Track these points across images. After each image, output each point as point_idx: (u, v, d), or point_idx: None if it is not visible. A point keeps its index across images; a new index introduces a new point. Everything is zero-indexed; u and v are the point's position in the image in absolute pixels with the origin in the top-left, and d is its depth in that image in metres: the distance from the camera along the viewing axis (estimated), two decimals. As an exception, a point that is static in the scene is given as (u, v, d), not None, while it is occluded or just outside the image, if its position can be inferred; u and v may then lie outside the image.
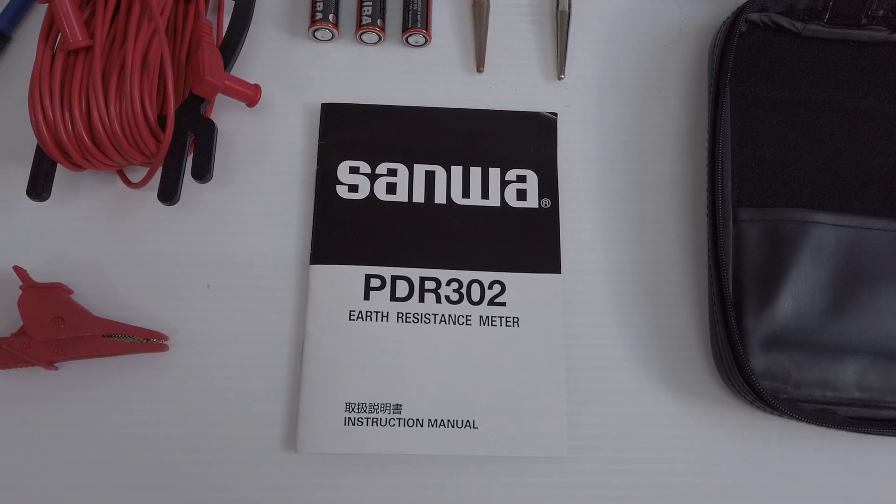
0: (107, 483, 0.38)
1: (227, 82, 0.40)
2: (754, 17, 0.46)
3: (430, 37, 0.46)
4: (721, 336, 0.40)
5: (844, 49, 0.47)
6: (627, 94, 0.47)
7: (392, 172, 0.44)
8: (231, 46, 0.42)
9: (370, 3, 0.46)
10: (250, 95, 0.42)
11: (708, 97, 0.45)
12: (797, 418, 0.38)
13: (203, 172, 0.40)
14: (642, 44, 0.48)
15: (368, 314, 0.41)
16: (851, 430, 0.39)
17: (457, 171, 0.44)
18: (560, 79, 0.47)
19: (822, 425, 0.38)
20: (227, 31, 0.43)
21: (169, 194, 0.39)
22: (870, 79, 0.46)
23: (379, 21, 0.46)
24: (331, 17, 0.46)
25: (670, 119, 0.46)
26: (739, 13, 0.45)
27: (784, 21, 0.46)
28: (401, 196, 0.43)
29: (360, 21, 0.46)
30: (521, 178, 0.44)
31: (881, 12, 0.46)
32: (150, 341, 0.40)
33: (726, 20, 0.46)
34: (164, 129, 0.40)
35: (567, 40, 0.47)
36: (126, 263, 0.42)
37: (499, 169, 0.44)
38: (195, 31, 0.41)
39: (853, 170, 0.44)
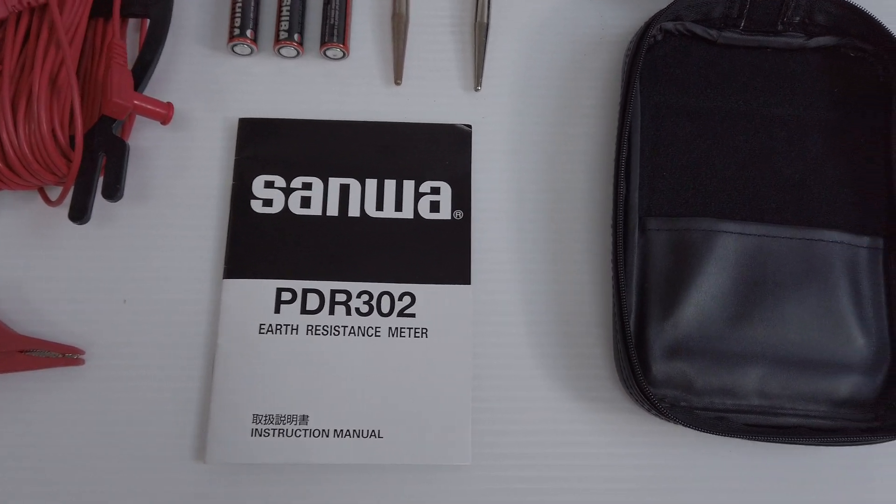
0: (20, 494, 0.40)
1: (136, 102, 0.41)
2: (669, 25, 0.46)
3: (347, 50, 0.47)
4: (619, 345, 0.41)
5: (761, 56, 0.47)
6: (545, 103, 0.47)
7: (307, 186, 0.45)
8: (144, 65, 0.43)
9: (287, 18, 0.46)
10: (162, 114, 0.43)
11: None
12: (691, 427, 0.39)
13: (112, 192, 0.41)
14: (561, 52, 0.48)
15: (278, 327, 0.42)
16: (746, 438, 0.39)
17: (371, 183, 0.45)
18: (477, 90, 0.47)
19: (715, 433, 0.39)
20: (140, 51, 0.43)
21: (78, 214, 0.40)
22: (786, 86, 0.46)
23: (296, 35, 0.46)
24: (249, 32, 0.46)
25: (588, 128, 0.47)
26: (650, 23, 0.45)
27: (699, 29, 0.46)
28: (315, 210, 0.44)
29: (278, 36, 0.46)
30: (435, 190, 0.45)
31: (797, 19, 0.46)
32: (66, 356, 0.41)
33: (639, 30, 0.46)
34: (77, 149, 0.41)
35: (485, 51, 0.48)
36: (44, 279, 0.43)
37: (413, 181, 0.45)
38: (106, 51, 0.42)
39: (766, 178, 0.45)
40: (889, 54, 0.45)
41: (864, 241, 0.43)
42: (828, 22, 0.46)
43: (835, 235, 0.43)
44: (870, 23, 0.45)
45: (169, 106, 0.43)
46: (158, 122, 0.44)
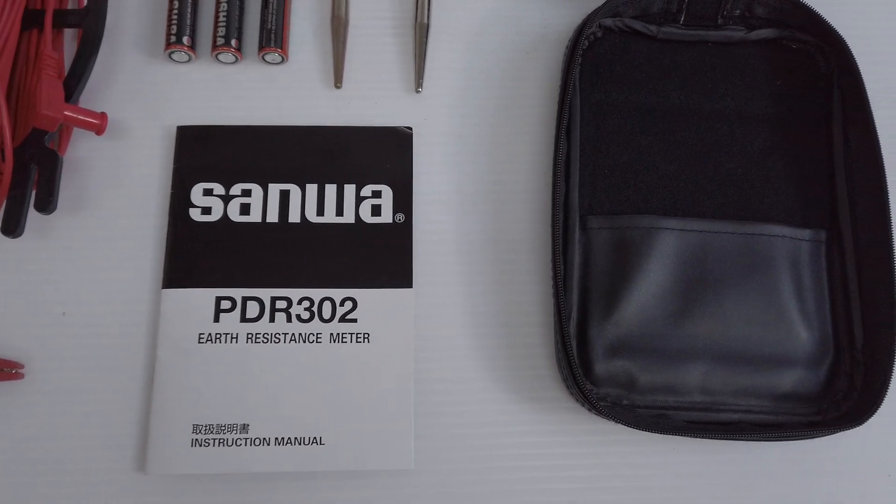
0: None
1: (67, 113, 0.41)
2: (609, 22, 0.46)
3: (286, 55, 0.47)
4: (559, 345, 0.40)
5: (701, 50, 0.47)
6: (487, 104, 0.47)
7: (246, 193, 0.44)
8: (77, 76, 0.43)
9: (224, 24, 0.46)
10: (96, 124, 0.42)
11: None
12: (630, 425, 0.39)
13: (45, 205, 0.40)
14: (503, 52, 0.48)
15: (218, 336, 0.42)
16: (687, 435, 0.39)
17: (312, 189, 0.45)
18: (418, 92, 0.47)
19: (655, 431, 0.39)
20: (73, 61, 0.43)
21: (11, 228, 0.40)
22: (728, 80, 0.46)
23: (234, 41, 0.46)
24: (185, 39, 0.46)
25: (530, 128, 0.47)
26: (586, 21, 0.44)
27: (639, 25, 0.46)
28: (254, 216, 0.44)
29: (215, 42, 0.46)
30: (377, 194, 0.45)
31: (737, 12, 0.46)
32: (4, 370, 0.41)
33: (576, 28, 0.46)
34: (10, 162, 0.40)
35: (426, 53, 0.47)
36: (-18, 294, 0.43)
37: (354, 185, 0.45)
38: (36, 63, 0.41)
39: (709, 173, 0.45)
40: (829, 46, 0.45)
41: (806, 234, 0.43)
42: (768, 14, 0.46)
43: (776, 229, 0.43)
44: (809, 14, 0.45)
45: (102, 116, 0.43)
46: (94, 133, 0.44)
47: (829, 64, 0.46)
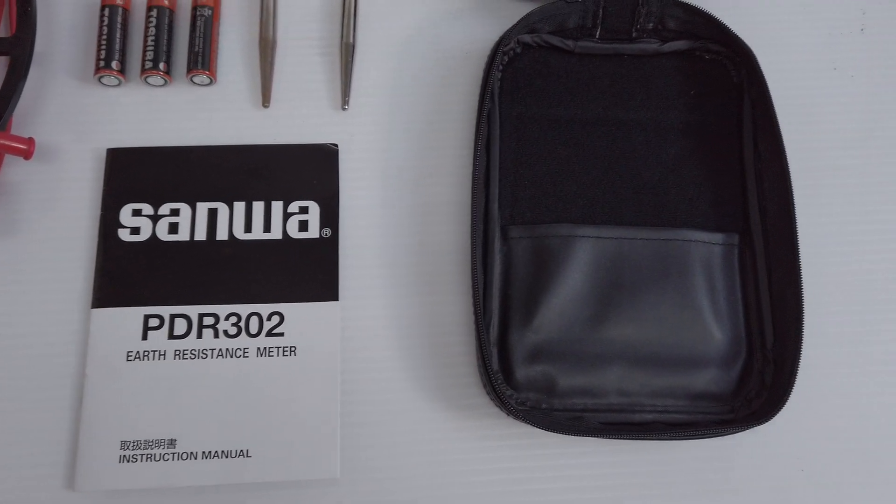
0: None
1: (-8, 140, 0.42)
2: (527, 38, 0.48)
3: (214, 76, 0.48)
4: (478, 352, 0.42)
5: (618, 63, 0.48)
6: (412, 119, 0.48)
7: (175, 212, 0.45)
8: (5, 102, 0.44)
9: (153, 48, 0.47)
10: (23, 149, 0.43)
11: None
12: (545, 428, 0.40)
13: (-29, 229, 0.41)
14: (428, 68, 0.49)
15: (146, 354, 0.43)
16: (601, 436, 0.40)
17: (240, 206, 0.46)
18: (345, 109, 0.48)
19: (570, 433, 0.40)
20: (0, 88, 0.44)
21: (-63, 252, 0.41)
22: (643, 90, 0.48)
23: (162, 64, 0.47)
24: (114, 63, 0.47)
25: (454, 142, 0.48)
26: (501, 40, 0.46)
27: (556, 40, 0.48)
28: (182, 235, 0.45)
29: (144, 65, 0.47)
30: (304, 210, 0.46)
31: (650, 25, 0.47)
32: (-66, 393, 0.42)
33: (493, 47, 0.47)
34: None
35: (352, 71, 0.49)
36: (-88, 319, 0.43)
37: (281, 202, 0.46)
38: (-38, 91, 0.42)
39: (625, 181, 0.46)
40: (739, 56, 0.47)
41: (719, 238, 0.45)
42: (680, 27, 0.47)
43: (691, 234, 0.45)
44: (718, 26, 0.46)
45: (30, 141, 0.44)
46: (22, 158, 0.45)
47: (740, 73, 0.47)
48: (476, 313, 0.41)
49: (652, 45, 0.48)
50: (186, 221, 0.45)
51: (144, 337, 0.43)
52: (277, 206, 0.46)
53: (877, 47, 0.50)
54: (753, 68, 0.45)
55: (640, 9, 0.47)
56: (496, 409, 0.43)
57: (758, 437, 0.43)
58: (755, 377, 0.43)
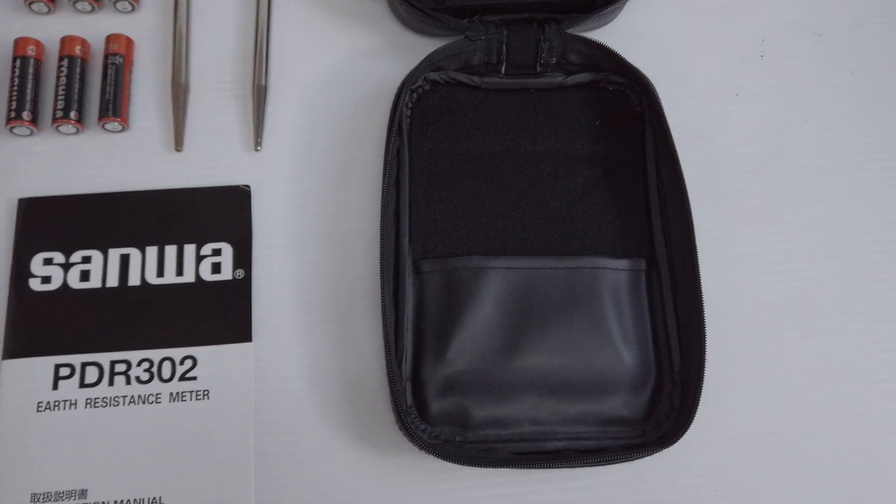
0: None
1: None
2: (434, 76, 0.49)
3: (126, 123, 0.48)
4: (389, 389, 0.42)
5: (524, 97, 0.49)
6: (326, 158, 0.49)
7: (86, 260, 0.45)
8: None
9: (63, 97, 0.48)
10: (-72, 203, 0.44)
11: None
12: (455, 461, 0.40)
13: None
14: (341, 107, 0.50)
15: (56, 404, 0.42)
16: (512, 467, 0.41)
17: (152, 251, 0.46)
18: (257, 150, 0.49)
19: (479, 465, 0.40)
20: None
21: None
22: (550, 122, 0.49)
23: (73, 113, 0.47)
24: (25, 114, 0.47)
25: (366, 178, 0.49)
26: (408, 78, 0.47)
27: (462, 77, 0.49)
28: (94, 282, 0.45)
29: (55, 114, 0.47)
30: (217, 252, 0.46)
31: (553, 60, 0.49)
32: None
33: (398, 87, 0.48)
34: None
35: (264, 112, 0.49)
36: None
37: (194, 245, 0.46)
38: None
39: (534, 212, 0.47)
40: (639, 87, 0.48)
41: (625, 264, 0.46)
42: (582, 60, 0.49)
43: (597, 261, 0.46)
44: (617, 60, 0.48)
45: (-65, 194, 0.44)
46: (-69, 211, 0.45)
47: (642, 103, 0.49)
48: (387, 349, 0.42)
49: (556, 79, 0.49)
50: (98, 268, 0.45)
51: (55, 387, 0.43)
52: (190, 250, 0.46)
53: (776, 73, 0.52)
54: (652, 99, 0.47)
55: (542, 44, 0.48)
56: (411, 446, 0.43)
57: (669, 460, 0.43)
58: (665, 400, 0.44)
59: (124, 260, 0.45)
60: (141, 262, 0.45)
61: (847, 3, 0.54)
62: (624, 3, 0.50)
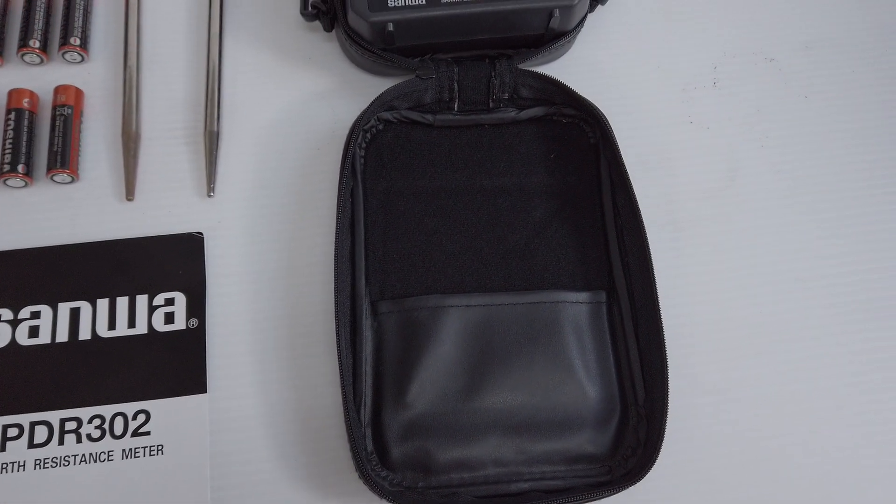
0: None
1: None
2: (387, 115, 0.48)
3: (76, 174, 0.47)
4: (348, 437, 0.41)
5: (478, 132, 0.49)
6: (280, 201, 0.48)
7: (35, 315, 0.44)
8: None
9: (10, 151, 0.47)
10: None
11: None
12: (418, 510, 0.39)
13: None
14: (294, 150, 0.50)
15: (4, 466, 0.41)
16: (475, 512, 0.40)
17: (103, 303, 0.45)
18: (210, 196, 0.48)
19: (445, 513, 0.39)
20: None
21: None
22: (505, 157, 0.49)
23: (21, 166, 0.47)
24: (-29, 168, 0.47)
25: (322, 220, 0.48)
26: (360, 119, 0.46)
27: (415, 115, 0.49)
28: (44, 338, 0.44)
29: (2, 168, 0.47)
30: (170, 301, 0.45)
31: (506, 95, 0.49)
32: None
33: (351, 125, 0.47)
34: None
35: (217, 158, 0.49)
36: None
37: (147, 295, 0.45)
38: None
39: (492, 248, 0.47)
40: (591, 119, 0.48)
41: (586, 296, 0.45)
42: (534, 95, 0.49)
43: (557, 295, 0.45)
44: (567, 92, 0.48)
45: None
46: None
47: (596, 134, 0.49)
48: (344, 397, 0.41)
49: (510, 114, 0.49)
50: (48, 324, 0.44)
51: (3, 448, 0.41)
52: (142, 300, 0.45)
53: (729, 100, 0.52)
54: (605, 130, 0.47)
55: (493, 80, 0.48)
56: (372, 494, 0.42)
57: (638, 496, 0.42)
58: (630, 435, 0.43)
59: (74, 314, 0.44)
60: (92, 315, 0.44)
61: (796, 28, 0.54)
62: (574, 37, 0.50)
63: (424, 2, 0.46)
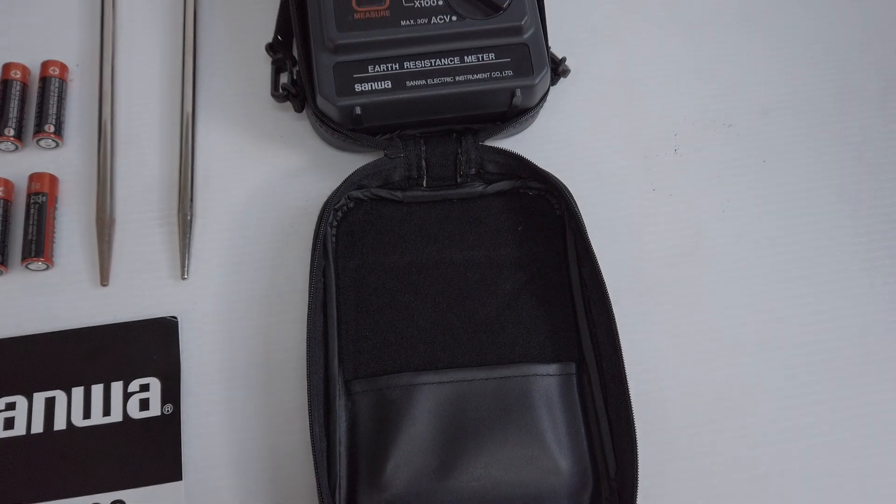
0: None
1: None
2: (357, 193, 0.49)
3: (50, 262, 0.48)
4: (321, 522, 0.41)
5: (447, 207, 0.50)
6: (253, 282, 0.49)
7: (10, 406, 0.44)
8: None
9: (-15, 241, 0.48)
10: None
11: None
12: None
13: None
14: (268, 229, 0.51)
15: (-23, 564, 0.41)
16: None
17: (78, 392, 0.45)
18: (185, 279, 0.49)
19: None
20: None
21: None
22: (474, 231, 0.50)
23: (-5, 256, 0.48)
24: (-54, 260, 0.47)
25: (297, 301, 0.49)
26: (331, 198, 0.47)
27: (385, 193, 0.50)
28: (19, 430, 0.44)
29: (-23, 259, 0.47)
30: (145, 387, 0.46)
31: (473, 170, 0.50)
32: None
33: (322, 206, 0.48)
34: None
35: (191, 241, 0.50)
36: None
37: (121, 382, 0.46)
38: None
39: (463, 322, 0.47)
40: (553, 191, 0.50)
41: (555, 368, 0.46)
42: (500, 169, 0.50)
43: (528, 369, 0.46)
44: (530, 167, 0.49)
45: None
46: None
47: (561, 206, 0.50)
48: (318, 482, 0.41)
49: (477, 188, 0.50)
50: (23, 415, 0.44)
51: (-24, 546, 0.41)
52: (117, 387, 0.45)
53: (691, 166, 0.54)
54: (568, 204, 0.48)
55: (460, 157, 0.49)
56: (349, 575, 0.42)
57: (614, 569, 0.43)
58: (604, 508, 0.44)
59: (49, 403, 0.45)
60: (67, 404, 0.45)
61: (753, 93, 0.56)
62: (538, 112, 0.52)
63: (390, 85, 0.48)
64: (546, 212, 0.50)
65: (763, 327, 0.50)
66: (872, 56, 0.58)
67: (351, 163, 0.52)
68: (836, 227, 0.53)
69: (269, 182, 0.52)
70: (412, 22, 0.48)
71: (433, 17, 0.48)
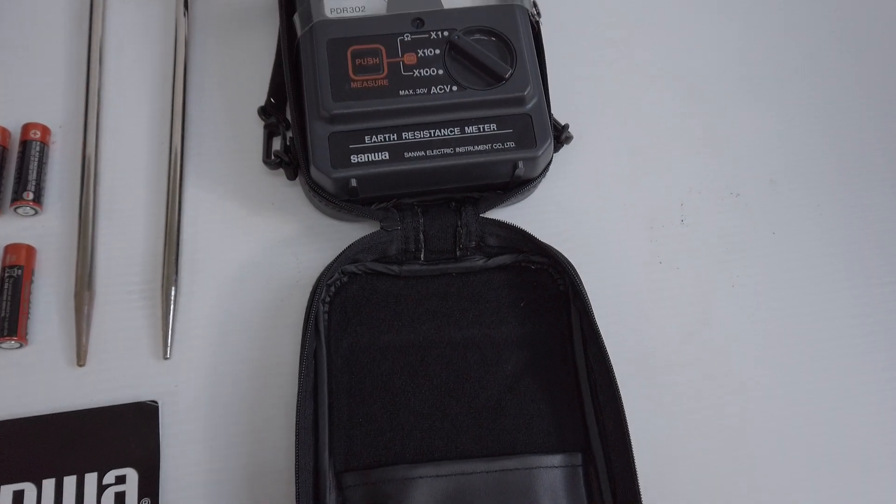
0: None
1: None
2: (351, 268, 0.47)
3: (24, 340, 0.45)
4: None
5: (446, 282, 0.48)
6: (240, 362, 0.46)
7: (-26, 501, 0.42)
8: None
9: (-46, 318, 0.45)
10: None
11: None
12: None
13: None
14: (257, 302, 0.48)
15: None
16: None
17: (49, 485, 0.42)
18: (167, 359, 0.46)
19: None
20: None
21: None
22: (474, 307, 0.47)
23: (-36, 334, 0.45)
24: (-89, 339, 0.44)
25: (286, 383, 0.46)
26: (324, 273, 0.45)
27: (380, 267, 0.47)
28: (-18, 528, 0.41)
29: (-55, 338, 0.45)
30: (121, 479, 0.42)
31: (473, 243, 0.48)
32: None
33: (315, 282, 0.46)
34: None
35: (175, 317, 0.47)
36: None
37: (96, 473, 0.42)
38: None
39: (462, 407, 0.45)
40: (557, 266, 0.48)
41: (560, 459, 0.43)
42: (501, 243, 0.48)
43: (531, 461, 0.43)
44: (532, 241, 0.47)
45: None
46: None
47: (565, 282, 0.48)
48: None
49: (478, 262, 0.48)
50: (-13, 510, 0.41)
51: None
52: (91, 479, 0.42)
53: (698, 237, 0.52)
54: (572, 280, 0.46)
55: (459, 230, 0.47)
56: None
57: None
58: None
59: (17, 498, 0.41)
60: (37, 498, 0.41)
61: (760, 163, 0.55)
62: (540, 181, 0.50)
63: (388, 156, 0.46)
64: (549, 287, 0.48)
65: (780, 411, 0.47)
66: (880, 125, 0.56)
67: (345, 231, 0.50)
68: (849, 301, 0.50)
69: (260, 252, 0.49)
70: (411, 92, 0.46)
71: (433, 87, 0.46)
